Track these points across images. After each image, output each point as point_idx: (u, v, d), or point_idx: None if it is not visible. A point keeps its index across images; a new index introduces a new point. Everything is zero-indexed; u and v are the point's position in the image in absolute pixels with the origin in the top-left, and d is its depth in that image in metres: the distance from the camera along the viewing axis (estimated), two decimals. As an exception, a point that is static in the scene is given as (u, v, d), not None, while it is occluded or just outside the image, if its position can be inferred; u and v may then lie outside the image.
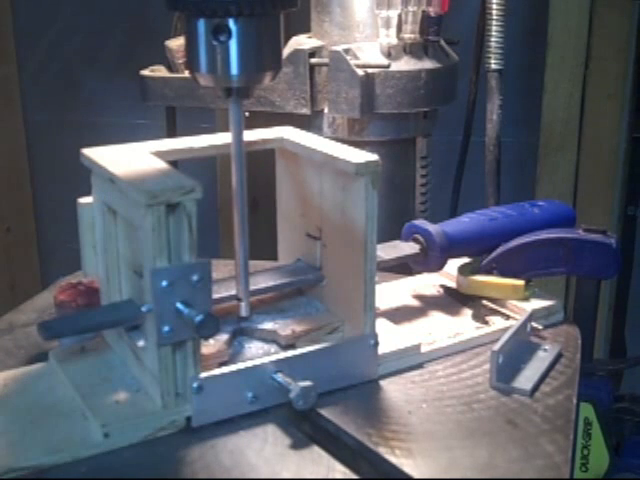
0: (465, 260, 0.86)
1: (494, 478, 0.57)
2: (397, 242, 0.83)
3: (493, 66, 1.17)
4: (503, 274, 0.82)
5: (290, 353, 0.66)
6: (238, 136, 0.69)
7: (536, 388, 0.68)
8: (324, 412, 0.63)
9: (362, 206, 0.66)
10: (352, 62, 1.03)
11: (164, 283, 0.57)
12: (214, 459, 0.58)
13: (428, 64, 1.08)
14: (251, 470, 0.57)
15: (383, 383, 0.69)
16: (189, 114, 1.34)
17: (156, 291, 0.57)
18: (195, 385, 0.61)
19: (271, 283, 0.75)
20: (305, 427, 0.62)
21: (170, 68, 1.19)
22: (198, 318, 0.57)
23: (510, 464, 0.58)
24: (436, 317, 0.81)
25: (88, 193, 0.70)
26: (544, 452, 0.60)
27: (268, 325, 0.72)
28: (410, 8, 1.06)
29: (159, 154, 0.67)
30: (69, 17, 1.92)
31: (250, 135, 0.74)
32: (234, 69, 0.64)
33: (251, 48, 0.64)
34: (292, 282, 0.76)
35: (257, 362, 0.64)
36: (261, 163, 0.85)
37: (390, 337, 0.72)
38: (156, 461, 0.59)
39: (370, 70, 1.04)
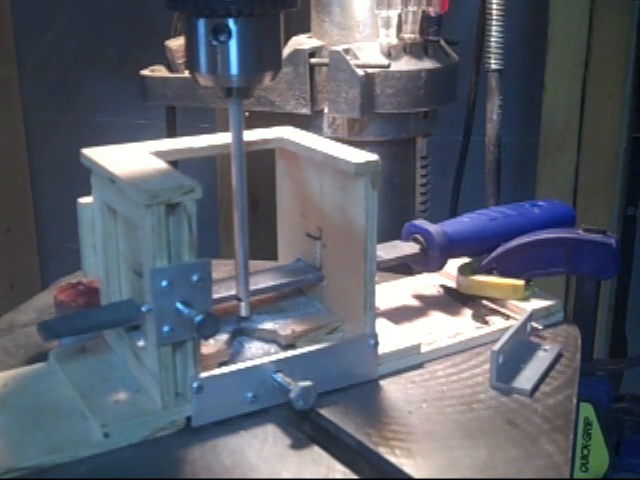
0: (465, 260, 0.86)
1: (494, 478, 0.57)
2: (397, 242, 0.83)
3: (493, 66, 1.17)
4: (503, 274, 0.82)
5: (290, 353, 0.66)
6: (238, 136, 0.69)
7: (536, 388, 0.68)
8: (324, 412, 0.63)
9: (362, 206, 0.66)
10: (352, 62, 1.03)
11: (164, 283, 0.57)
12: (215, 459, 0.58)
13: (428, 64, 1.08)
14: (252, 470, 0.57)
15: (383, 383, 0.69)
16: (189, 114, 1.35)
17: (156, 291, 0.57)
18: (195, 385, 0.61)
19: (271, 283, 0.75)
20: (305, 427, 0.62)
21: (170, 68, 1.19)
22: (198, 318, 0.57)
23: (510, 464, 0.58)
24: (436, 317, 0.81)
25: (88, 193, 0.70)
26: (544, 452, 0.59)
27: (268, 325, 0.72)
28: (410, 8, 1.06)
29: (159, 154, 0.67)
30: (69, 17, 1.93)
31: (250, 135, 0.74)
32: (234, 69, 0.64)
33: (251, 48, 0.64)
34: (292, 282, 0.76)
35: (257, 362, 0.64)
36: (261, 163, 0.85)
37: (390, 337, 0.72)
38: (156, 461, 0.59)
39: (370, 70, 1.04)
